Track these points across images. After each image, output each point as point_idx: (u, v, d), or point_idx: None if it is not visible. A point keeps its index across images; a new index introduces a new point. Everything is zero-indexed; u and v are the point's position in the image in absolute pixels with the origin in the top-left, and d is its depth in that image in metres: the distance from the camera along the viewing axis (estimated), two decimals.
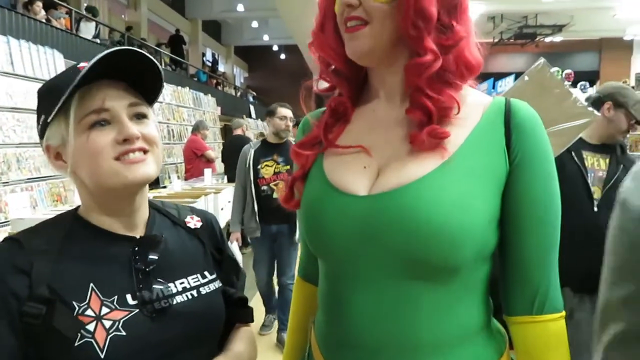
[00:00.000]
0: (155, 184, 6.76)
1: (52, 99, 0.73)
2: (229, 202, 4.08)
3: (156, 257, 0.79)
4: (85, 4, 10.98)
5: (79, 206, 0.83)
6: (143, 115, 0.79)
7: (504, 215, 0.73)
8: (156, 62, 0.80)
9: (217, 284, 0.87)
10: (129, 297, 0.75)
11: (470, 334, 0.74)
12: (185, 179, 5.70)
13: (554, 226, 0.74)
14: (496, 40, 15.44)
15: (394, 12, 0.70)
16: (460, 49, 0.73)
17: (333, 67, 0.82)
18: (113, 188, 0.76)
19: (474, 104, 0.75)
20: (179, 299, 0.79)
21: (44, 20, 6.43)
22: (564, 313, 0.75)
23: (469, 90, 0.78)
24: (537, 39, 15.73)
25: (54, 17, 7.00)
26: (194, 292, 0.82)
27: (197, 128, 6.44)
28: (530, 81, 1.71)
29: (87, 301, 0.72)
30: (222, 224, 3.86)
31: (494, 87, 6.32)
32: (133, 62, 0.77)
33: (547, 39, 16.18)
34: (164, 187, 5.03)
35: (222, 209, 3.79)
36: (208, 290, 0.84)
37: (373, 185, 0.74)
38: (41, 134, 0.79)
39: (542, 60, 1.72)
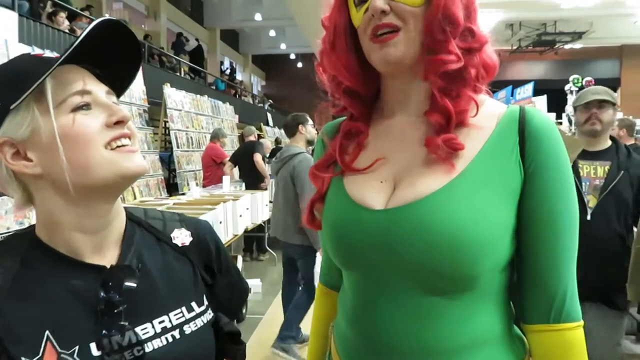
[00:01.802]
0: (174, 190, 6.85)
1: (13, 83, 0.61)
2: (247, 209, 4.12)
3: (129, 291, 0.65)
4: (107, 15, 11.22)
5: (33, 226, 0.68)
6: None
7: (520, 225, 0.73)
8: (136, 37, 0.71)
9: (207, 317, 0.74)
10: (92, 346, 0.61)
11: (490, 340, 0.74)
12: (204, 186, 5.76)
13: (571, 235, 0.73)
14: (514, 47, 15.33)
15: (423, 15, 0.71)
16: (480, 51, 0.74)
17: (344, 86, 0.82)
18: (105, 181, 0.63)
19: (489, 114, 0.76)
20: (156, 343, 0.66)
21: (67, 31, 6.59)
22: (582, 322, 0.75)
23: (486, 99, 0.78)
24: (557, 46, 15.59)
25: (78, 27, 7.16)
26: (176, 333, 0.68)
27: (216, 136, 6.51)
28: None
29: (40, 355, 0.59)
30: (241, 231, 3.91)
31: (512, 95, 6.30)
32: (107, 48, 0.67)
33: (567, 46, 16.01)
34: (183, 194, 5.09)
35: (240, 215, 3.82)
36: (194, 328, 0.70)
37: (389, 199, 0.75)
38: None
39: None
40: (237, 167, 6.14)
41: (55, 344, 0.60)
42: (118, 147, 0.65)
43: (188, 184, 5.86)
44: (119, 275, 0.66)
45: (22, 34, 4.98)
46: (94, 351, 0.62)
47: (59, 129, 0.61)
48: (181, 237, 0.77)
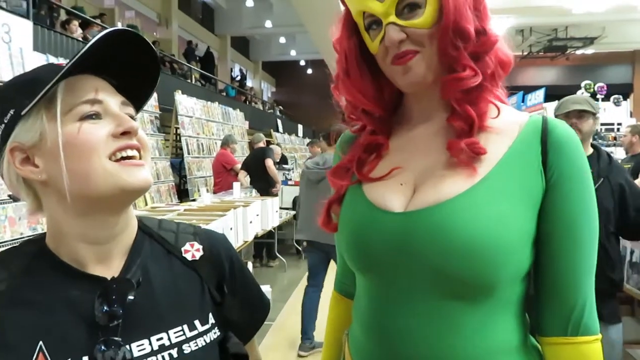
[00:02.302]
0: (185, 196, 6.89)
1: (28, 90, 0.61)
2: (257, 215, 4.13)
3: (128, 303, 0.63)
4: (119, 23, 11.35)
5: (44, 234, 0.68)
6: (133, 118, 0.67)
7: (539, 235, 0.72)
8: (154, 48, 0.69)
9: (212, 336, 0.70)
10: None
11: (507, 350, 0.73)
12: (214, 192, 5.79)
13: (591, 246, 0.72)
14: (525, 53, 15.26)
15: (437, 34, 0.71)
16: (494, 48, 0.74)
17: (362, 108, 0.82)
18: (104, 193, 0.62)
19: (511, 122, 0.75)
20: None
21: (80, 39, 6.68)
22: (599, 336, 0.73)
23: (505, 107, 0.78)
24: (568, 51, 15.49)
25: (91, 35, 7.26)
26: (174, 352, 0.65)
27: (226, 142, 6.54)
28: None
29: None
30: (251, 237, 3.92)
31: (523, 101, 6.26)
32: (126, 59, 0.67)
33: (579, 52, 15.92)
34: (194, 200, 5.12)
35: (250, 222, 3.83)
36: (194, 348, 0.66)
37: (409, 202, 0.74)
38: (5, 135, 0.63)
39: None
40: (245, 170, 6.18)
41: (47, 355, 0.59)
42: (123, 158, 0.63)
43: (199, 190, 5.89)
44: (117, 288, 0.63)
45: (37, 42, 5.05)
46: None
47: (63, 136, 0.61)
48: (192, 250, 0.74)
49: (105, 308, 0.61)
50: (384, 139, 0.83)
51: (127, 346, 0.62)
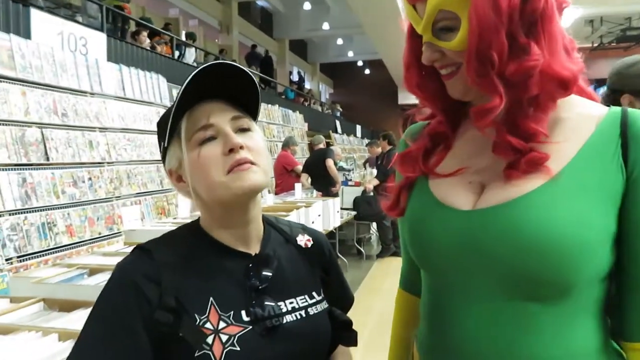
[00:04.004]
0: None
1: (165, 126, 0.80)
2: (319, 215, 4.17)
3: (269, 275, 0.81)
4: (184, 31, 11.81)
5: (198, 218, 0.87)
6: (247, 128, 0.82)
7: (621, 235, 0.68)
8: (247, 70, 0.82)
9: (324, 305, 0.88)
10: (243, 313, 0.77)
11: (586, 354, 0.70)
12: (276, 194, 5.89)
13: None
14: (595, 44, 14.47)
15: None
16: (545, 65, 0.68)
17: None
18: (225, 200, 0.78)
19: (585, 115, 0.73)
20: (288, 318, 0.80)
21: (148, 48, 7.01)
22: None
23: (577, 100, 0.75)
24: None
25: (159, 44, 7.60)
26: (302, 313, 0.82)
27: (287, 144, 6.66)
28: None
29: (206, 314, 0.75)
30: None
31: None
32: (229, 79, 0.80)
33: None
34: None
35: (312, 222, 3.88)
36: (316, 312, 0.84)
37: (478, 200, 0.73)
38: (163, 161, 0.85)
39: None
40: (307, 172, 6.27)
41: (217, 307, 0.76)
42: (237, 166, 0.77)
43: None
44: (262, 260, 0.83)
45: (110, 53, 5.36)
46: (244, 317, 0.77)
47: (189, 160, 0.79)
48: (304, 240, 0.93)
49: (256, 274, 0.80)
50: (450, 131, 0.83)
51: (272, 305, 0.79)
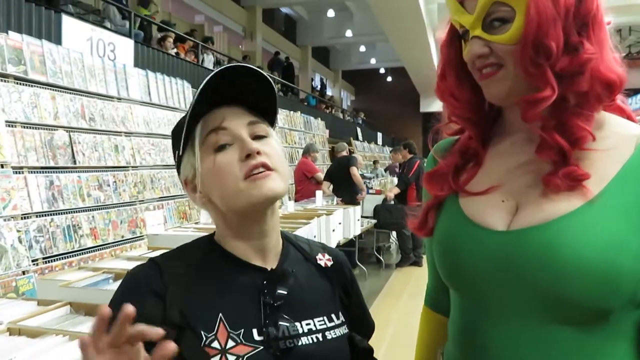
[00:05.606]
0: None
1: (180, 134, 0.77)
2: (340, 223, 4.17)
3: (285, 293, 0.76)
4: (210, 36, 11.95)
5: (214, 232, 0.83)
6: (263, 135, 0.78)
7: None
8: (264, 73, 0.79)
9: (344, 330, 0.82)
10: (255, 332, 0.72)
11: None
12: (296, 200, 5.90)
13: None
14: (623, 54, 14.21)
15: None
16: (594, 65, 0.68)
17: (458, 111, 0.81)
18: (242, 209, 0.75)
19: (624, 135, 0.71)
20: (304, 340, 0.75)
21: (173, 54, 7.12)
22: None
23: (616, 120, 0.74)
24: None
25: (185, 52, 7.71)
26: (319, 336, 0.77)
27: (308, 151, 6.67)
28: None
29: (214, 332, 0.71)
30: (334, 244, 3.96)
31: None
32: (245, 84, 0.77)
33: None
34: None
35: (333, 230, 3.88)
36: (334, 336, 0.79)
37: (512, 220, 0.72)
38: (178, 170, 0.82)
39: None
40: (329, 180, 6.26)
41: (226, 325, 0.72)
42: (254, 174, 0.74)
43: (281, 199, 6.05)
44: (278, 276, 0.78)
45: (137, 59, 5.46)
46: (256, 336, 0.72)
47: (203, 168, 0.76)
48: (324, 259, 0.88)
49: (271, 290, 0.75)
50: (480, 147, 0.81)
51: (287, 325, 0.74)
